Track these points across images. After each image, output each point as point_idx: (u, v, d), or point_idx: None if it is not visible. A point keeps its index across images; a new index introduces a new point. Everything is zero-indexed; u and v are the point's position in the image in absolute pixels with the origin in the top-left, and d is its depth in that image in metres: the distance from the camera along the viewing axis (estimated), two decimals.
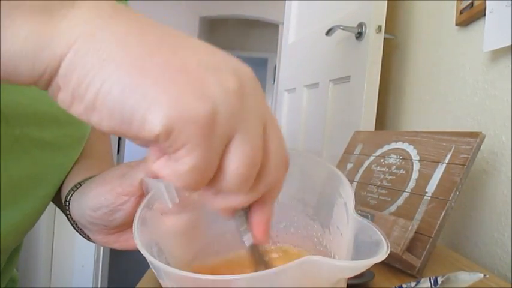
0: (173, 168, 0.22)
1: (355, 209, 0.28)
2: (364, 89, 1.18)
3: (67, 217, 0.42)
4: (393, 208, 0.69)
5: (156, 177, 0.34)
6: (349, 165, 0.87)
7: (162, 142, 0.21)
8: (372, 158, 0.81)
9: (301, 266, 0.22)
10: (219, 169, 0.22)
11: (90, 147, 0.51)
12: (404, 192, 0.68)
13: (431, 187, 0.64)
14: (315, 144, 1.52)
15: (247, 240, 0.27)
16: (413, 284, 0.40)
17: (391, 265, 0.60)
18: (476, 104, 0.83)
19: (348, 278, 0.28)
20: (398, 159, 0.74)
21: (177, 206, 0.32)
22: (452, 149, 0.64)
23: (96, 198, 0.37)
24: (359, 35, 1.22)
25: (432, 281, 0.38)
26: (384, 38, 1.17)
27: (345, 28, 1.25)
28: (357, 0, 1.27)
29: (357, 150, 0.88)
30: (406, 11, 1.25)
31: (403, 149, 0.74)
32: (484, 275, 0.37)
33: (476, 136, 0.62)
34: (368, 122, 1.18)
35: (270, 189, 0.25)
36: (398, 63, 1.27)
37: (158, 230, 0.32)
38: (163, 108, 0.20)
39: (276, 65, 4.13)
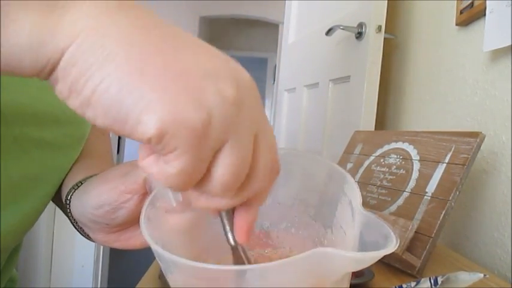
0: (162, 169, 0.22)
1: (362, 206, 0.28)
2: (364, 89, 1.18)
3: (67, 216, 0.42)
4: (393, 208, 0.69)
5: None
6: (349, 165, 0.87)
7: (153, 144, 0.21)
8: (372, 158, 0.81)
9: (312, 256, 0.22)
10: (206, 172, 0.23)
11: (90, 147, 0.51)
12: (404, 192, 0.68)
13: (431, 187, 0.64)
14: (315, 144, 1.52)
15: (231, 239, 0.27)
16: (413, 284, 0.40)
17: (391, 265, 0.60)
18: (476, 104, 0.83)
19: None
20: (398, 159, 0.74)
21: (180, 204, 0.32)
22: (452, 149, 0.64)
23: (98, 196, 0.37)
24: (359, 35, 1.22)
25: (432, 281, 0.38)
26: (384, 38, 1.17)
27: (345, 28, 1.25)
28: (357, 0, 1.27)
29: (357, 150, 0.88)
30: (406, 11, 1.25)
31: (403, 149, 0.75)
32: (484, 275, 0.37)
33: (476, 136, 0.62)
34: (368, 122, 1.18)
35: (257, 194, 0.25)
36: (398, 63, 1.27)
37: (162, 228, 0.32)
38: (158, 112, 0.20)
39: (276, 65, 4.13)
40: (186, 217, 0.33)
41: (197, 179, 0.23)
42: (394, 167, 0.74)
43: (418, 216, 0.63)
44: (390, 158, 0.76)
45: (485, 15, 0.76)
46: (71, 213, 0.41)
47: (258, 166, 0.24)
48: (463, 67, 0.90)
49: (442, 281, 0.38)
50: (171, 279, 0.27)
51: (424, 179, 0.66)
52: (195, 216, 0.33)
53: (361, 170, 0.82)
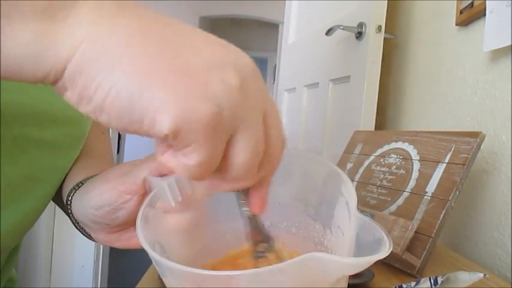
0: (181, 161, 0.23)
1: (356, 208, 0.28)
2: (364, 89, 1.18)
3: (69, 216, 0.42)
4: (393, 208, 0.69)
5: (159, 174, 0.34)
6: (349, 165, 0.87)
7: (170, 140, 0.22)
8: (372, 157, 0.81)
9: (304, 262, 0.22)
10: (224, 160, 0.24)
11: (90, 146, 0.51)
12: (404, 192, 0.68)
13: (431, 187, 0.64)
14: (315, 144, 1.52)
15: (246, 212, 0.29)
16: (413, 283, 0.40)
17: (391, 265, 0.60)
18: (476, 104, 0.83)
19: (348, 278, 0.28)
20: (398, 159, 0.74)
21: (179, 204, 0.32)
22: (452, 148, 0.64)
23: (98, 197, 0.37)
24: (359, 35, 1.22)
25: (432, 281, 0.38)
26: (384, 38, 1.17)
27: (345, 28, 1.25)
28: (357, 0, 1.27)
29: (357, 150, 0.88)
30: (406, 11, 1.25)
31: (403, 149, 0.75)
32: (484, 275, 0.37)
33: (476, 136, 0.62)
34: (368, 122, 1.18)
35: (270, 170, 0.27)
36: (398, 63, 1.27)
37: (161, 229, 0.32)
38: (171, 110, 0.21)
39: (276, 64, 4.13)
40: (185, 217, 0.33)
41: (215, 167, 0.24)
42: (394, 167, 0.74)
43: (418, 216, 0.63)
44: (390, 158, 0.76)
45: (485, 15, 0.76)
46: (72, 214, 0.41)
47: (271, 142, 0.25)
48: (463, 67, 0.90)
49: (442, 281, 0.38)
50: (166, 282, 0.27)
51: (424, 179, 0.66)
52: (194, 216, 0.33)
53: (361, 170, 0.82)
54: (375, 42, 1.16)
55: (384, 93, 1.30)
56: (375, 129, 1.20)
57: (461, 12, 0.89)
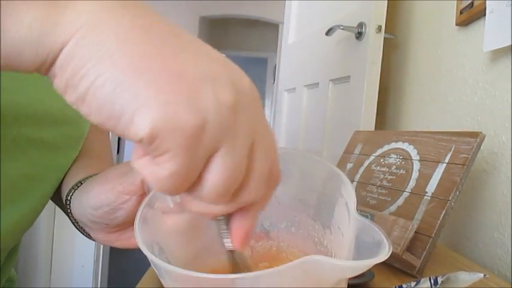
0: (153, 171, 0.22)
1: (356, 209, 0.28)
2: (364, 89, 1.18)
3: (68, 216, 0.42)
4: (393, 208, 0.69)
5: None
6: (349, 165, 0.87)
7: (145, 145, 0.21)
8: (372, 157, 0.81)
9: (303, 265, 0.22)
10: (199, 177, 0.22)
11: (89, 146, 0.51)
12: (404, 192, 0.68)
13: (431, 187, 0.64)
14: (315, 144, 1.52)
15: (227, 244, 0.26)
16: (413, 284, 0.40)
17: (391, 265, 0.60)
18: (476, 104, 0.83)
19: (348, 278, 0.28)
20: (398, 159, 0.74)
21: (178, 205, 0.32)
22: (452, 149, 0.64)
23: (97, 197, 0.37)
24: (359, 35, 1.22)
25: (432, 281, 0.38)
26: (384, 38, 1.17)
27: (345, 28, 1.25)
28: (357, 0, 1.27)
29: (357, 150, 0.88)
30: (406, 11, 1.25)
31: (403, 149, 0.74)
32: (484, 275, 0.37)
33: (476, 136, 0.62)
34: (368, 122, 1.18)
35: (255, 202, 0.25)
36: (398, 63, 1.27)
37: (159, 229, 0.32)
38: (151, 112, 0.20)
39: (276, 64, 4.13)
40: (183, 218, 0.33)
41: (189, 183, 0.22)
42: (394, 167, 0.74)
43: (418, 216, 0.63)
44: (390, 158, 0.76)
45: (485, 15, 0.76)
46: (72, 213, 0.41)
47: (253, 174, 0.23)
48: (463, 67, 0.90)
49: (442, 281, 0.38)
50: (164, 283, 0.27)
51: (424, 179, 0.66)
52: (192, 217, 0.33)
53: (361, 170, 0.82)
54: (374, 42, 1.16)
55: (384, 93, 1.30)
56: (375, 129, 1.20)
57: (461, 12, 0.89)
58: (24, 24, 0.20)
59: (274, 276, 0.22)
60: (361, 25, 1.21)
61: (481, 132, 0.62)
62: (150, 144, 0.20)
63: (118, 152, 2.43)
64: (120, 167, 0.38)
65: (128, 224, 0.38)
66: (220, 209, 0.24)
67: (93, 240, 0.42)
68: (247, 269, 0.28)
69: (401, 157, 0.74)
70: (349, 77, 1.29)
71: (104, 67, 0.20)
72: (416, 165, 0.69)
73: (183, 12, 4.27)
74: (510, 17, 0.68)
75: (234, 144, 0.22)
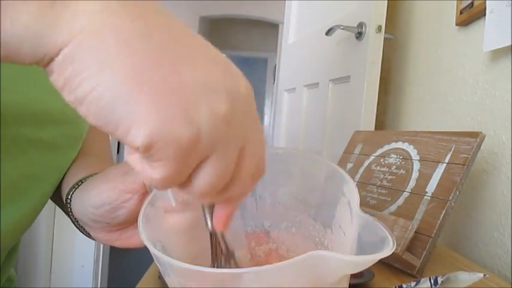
0: (145, 169, 0.23)
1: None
2: (364, 89, 1.18)
3: (68, 215, 0.42)
4: (393, 208, 0.69)
5: None
6: (349, 165, 0.87)
7: (140, 153, 0.22)
8: (372, 157, 0.81)
9: (307, 260, 0.22)
10: (189, 177, 0.23)
11: (89, 146, 0.51)
12: (404, 192, 0.68)
13: (431, 187, 0.64)
14: (315, 144, 1.52)
15: (209, 226, 0.29)
16: (413, 284, 0.40)
17: (391, 265, 0.60)
18: (476, 104, 0.83)
19: (349, 278, 0.28)
20: (398, 159, 0.74)
21: (180, 204, 0.32)
22: (452, 149, 0.64)
23: (98, 196, 0.37)
24: (359, 35, 1.22)
25: (432, 281, 0.38)
26: (384, 38, 1.17)
27: (345, 28, 1.25)
28: (357, 0, 1.27)
29: (357, 150, 0.88)
30: (406, 11, 1.25)
31: (403, 149, 0.75)
32: (484, 275, 0.37)
33: (476, 136, 0.62)
34: (368, 122, 1.18)
35: (238, 194, 0.26)
36: (398, 63, 1.27)
37: (161, 228, 0.32)
38: (148, 126, 0.20)
39: (276, 64, 4.13)
40: (185, 217, 0.33)
41: (179, 183, 0.23)
42: (394, 167, 0.74)
43: (418, 216, 0.63)
44: (390, 158, 0.76)
45: (485, 15, 0.76)
46: (72, 212, 0.41)
47: (240, 175, 0.24)
48: (463, 67, 0.90)
49: (442, 281, 0.38)
50: (168, 281, 0.27)
51: (424, 179, 0.66)
52: (194, 216, 0.33)
53: (361, 170, 0.82)
54: (375, 42, 1.16)
55: (384, 93, 1.30)
56: (375, 129, 1.20)
57: (461, 12, 0.89)
58: (21, 23, 0.20)
59: (278, 272, 0.22)
60: (361, 25, 1.21)
61: (481, 132, 0.62)
62: (145, 153, 0.21)
63: (118, 152, 2.42)
64: (121, 166, 0.38)
65: (128, 223, 0.38)
66: (208, 200, 0.26)
67: (93, 239, 0.42)
68: (226, 250, 0.30)
69: (401, 157, 0.74)
70: (349, 77, 1.29)
71: (102, 78, 0.20)
72: (416, 165, 0.69)
73: (183, 12, 4.26)
74: (510, 17, 0.68)
75: (224, 151, 0.23)
